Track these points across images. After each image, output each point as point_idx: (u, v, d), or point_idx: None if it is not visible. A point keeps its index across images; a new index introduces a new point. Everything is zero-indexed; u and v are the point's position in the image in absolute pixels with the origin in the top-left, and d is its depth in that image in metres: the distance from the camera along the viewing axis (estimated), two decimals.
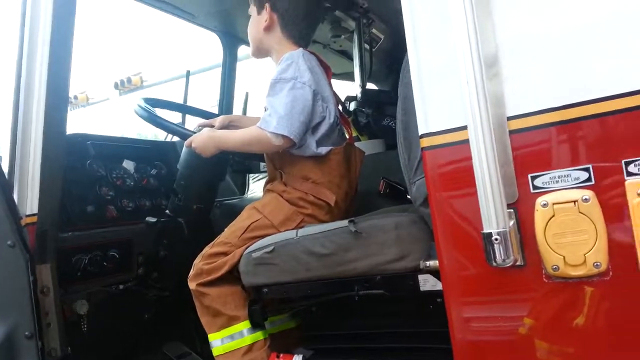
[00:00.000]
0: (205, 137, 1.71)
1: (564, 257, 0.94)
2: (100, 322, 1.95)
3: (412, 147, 1.30)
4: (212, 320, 1.63)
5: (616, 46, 0.94)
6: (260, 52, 1.85)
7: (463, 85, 0.97)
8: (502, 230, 0.91)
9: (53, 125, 1.61)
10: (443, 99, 1.07)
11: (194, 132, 1.77)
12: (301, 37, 1.79)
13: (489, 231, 0.92)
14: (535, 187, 0.99)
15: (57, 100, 1.63)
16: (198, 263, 1.67)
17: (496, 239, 0.91)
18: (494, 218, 0.92)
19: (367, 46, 3.27)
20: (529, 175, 1.00)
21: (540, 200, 0.98)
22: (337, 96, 1.85)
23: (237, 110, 3.12)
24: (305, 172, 1.70)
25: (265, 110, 1.65)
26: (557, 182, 0.97)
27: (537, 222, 0.98)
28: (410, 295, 1.37)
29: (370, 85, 3.25)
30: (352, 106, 2.84)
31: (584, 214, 0.94)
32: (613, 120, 0.95)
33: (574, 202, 0.94)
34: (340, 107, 1.86)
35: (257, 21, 1.80)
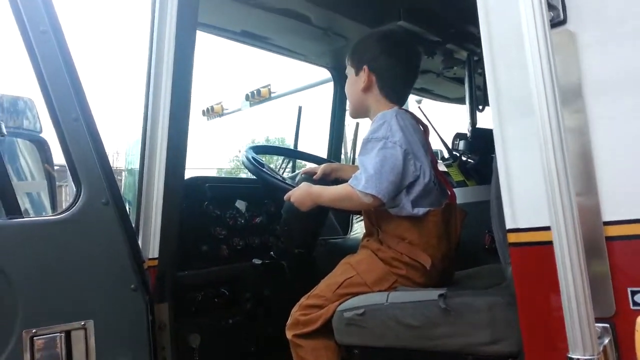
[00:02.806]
0: (302, 192, 1.79)
1: None
2: (211, 355, 2.10)
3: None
4: None
5: None
6: (359, 112, 1.89)
7: (547, 183, 0.90)
8: (589, 358, 0.84)
9: (172, 179, 1.78)
10: (530, 191, 1.01)
11: (293, 187, 1.85)
12: (397, 95, 1.81)
13: (574, 357, 0.85)
14: (635, 304, 0.90)
15: (176, 158, 1.79)
16: (295, 312, 1.74)
17: None
18: (580, 342, 0.84)
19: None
20: (629, 289, 0.90)
21: None
22: (434, 156, 1.81)
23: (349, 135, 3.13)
24: (401, 232, 1.69)
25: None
26: None
27: (637, 343, 0.88)
28: None
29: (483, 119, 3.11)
30: (461, 145, 2.74)
31: None
32: None
33: None
34: (438, 165, 1.83)
35: (354, 82, 1.83)
